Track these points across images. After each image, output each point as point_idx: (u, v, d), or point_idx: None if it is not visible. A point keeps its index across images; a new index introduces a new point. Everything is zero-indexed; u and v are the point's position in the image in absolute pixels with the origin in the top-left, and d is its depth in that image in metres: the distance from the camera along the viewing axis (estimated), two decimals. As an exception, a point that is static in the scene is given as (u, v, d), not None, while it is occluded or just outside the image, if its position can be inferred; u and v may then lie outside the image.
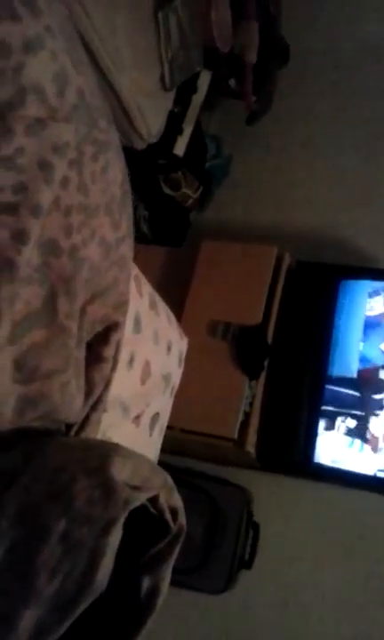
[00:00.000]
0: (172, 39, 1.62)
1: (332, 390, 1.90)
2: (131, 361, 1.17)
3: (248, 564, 1.90)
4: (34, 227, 0.68)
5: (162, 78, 1.63)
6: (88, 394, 0.87)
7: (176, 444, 1.65)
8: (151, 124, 1.63)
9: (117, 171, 0.81)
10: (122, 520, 0.67)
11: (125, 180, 0.84)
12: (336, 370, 1.93)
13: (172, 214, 2.25)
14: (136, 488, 0.72)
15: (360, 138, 2.37)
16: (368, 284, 1.99)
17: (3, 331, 0.67)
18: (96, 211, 0.77)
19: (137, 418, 1.23)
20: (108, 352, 0.89)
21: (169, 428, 1.39)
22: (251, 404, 1.85)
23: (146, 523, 0.78)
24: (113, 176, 0.80)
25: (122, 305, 0.90)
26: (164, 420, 1.37)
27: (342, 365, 1.94)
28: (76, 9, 1.35)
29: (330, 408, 1.89)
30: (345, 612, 1.87)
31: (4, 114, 0.64)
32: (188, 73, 1.81)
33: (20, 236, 0.67)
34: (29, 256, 0.69)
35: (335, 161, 2.37)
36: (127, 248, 0.88)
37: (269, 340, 1.93)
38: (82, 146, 0.72)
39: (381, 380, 1.89)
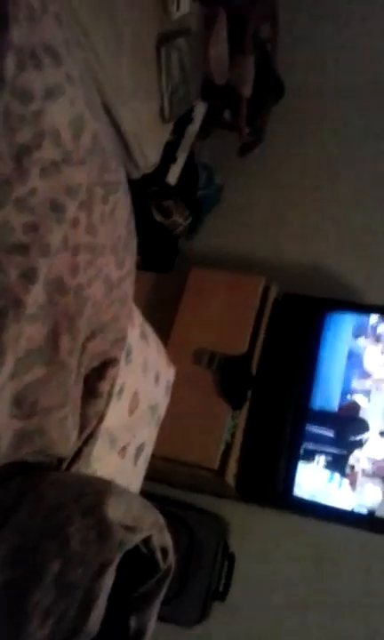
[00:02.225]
0: (172, 74, 1.65)
1: (312, 426, 1.92)
2: (120, 392, 1.17)
3: (222, 596, 1.89)
4: (43, 266, 0.69)
5: (161, 111, 1.66)
6: (82, 428, 0.87)
7: (155, 472, 1.65)
8: (148, 154, 1.65)
9: (124, 211, 0.83)
10: (116, 562, 0.67)
11: (131, 220, 0.86)
12: (318, 403, 1.95)
13: (162, 241, 2.27)
14: (129, 528, 0.73)
15: (353, 175, 2.42)
16: (352, 319, 2.03)
17: (6, 369, 0.68)
18: (102, 250, 0.78)
19: (123, 449, 1.23)
20: (104, 387, 0.90)
21: (150, 455, 1.39)
22: (233, 435, 1.85)
23: (134, 559, 0.78)
24: (120, 216, 0.82)
25: (120, 341, 0.91)
26: (148, 450, 1.38)
27: (324, 398, 1.96)
28: (82, 40, 1.37)
29: (310, 444, 1.90)
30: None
31: (21, 157, 0.66)
32: (186, 106, 1.84)
33: (29, 276, 0.67)
34: (36, 294, 0.69)
35: (327, 195, 2.41)
36: (129, 285, 0.89)
37: (254, 370, 1.94)
38: (93, 188, 0.74)
39: (360, 418, 1.91)
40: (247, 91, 2.28)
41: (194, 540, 1.86)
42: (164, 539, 0.79)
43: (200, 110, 2.25)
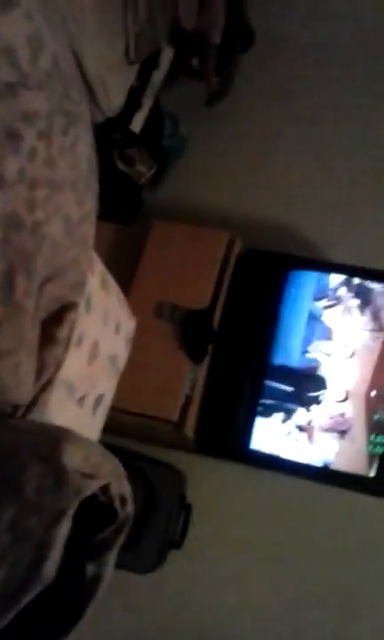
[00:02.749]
0: (139, 12, 1.56)
1: (272, 382, 1.93)
2: (79, 341, 1.14)
3: (178, 545, 1.92)
4: None
5: (126, 51, 1.58)
6: (38, 375, 0.84)
7: (114, 424, 1.64)
8: (112, 97, 1.58)
9: (86, 146, 0.78)
10: (72, 511, 0.65)
11: (93, 156, 0.81)
12: (278, 359, 1.96)
13: (124, 191, 2.20)
14: (87, 475, 0.71)
15: (324, 130, 2.37)
16: (315, 277, 2.02)
17: None
18: (62, 186, 0.74)
19: (81, 399, 1.20)
20: (62, 333, 0.86)
21: (108, 407, 1.38)
22: (192, 388, 1.85)
23: (93, 507, 0.77)
24: (81, 151, 0.77)
25: (79, 285, 0.88)
26: (107, 402, 1.35)
27: (284, 355, 1.97)
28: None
29: (269, 399, 1.92)
30: (269, 597, 1.92)
31: None
32: (153, 47, 1.76)
33: None
34: (-11, 229, 0.65)
35: (296, 150, 2.37)
36: (89, 227, 0.85)
37: (215, 325, 1.93)
38: (52, 117, 0.69)
39: (319, 375, 1.93)
40: (216, 37, 2.19)
41: (151, 491, 1.87)
42: (122, 487, 0.78)
43: (167, 56, 2.16)
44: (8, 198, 0.66)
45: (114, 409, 1.42)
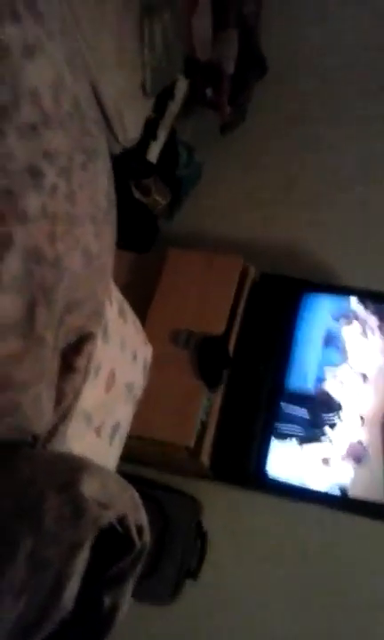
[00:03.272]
0: (156, 46, 1.61)
1: (287, 407, 1.92)
2: (96, 370, 1.15)
3: (194, 575, 1.90)
4: (19, 233, 0.66)
5: (143, 84, 1.62)
6: (57, 404, 0.85)
7: (130, 451, 1.64)
8: (129, 128, 1.62)
9: (105, 180, 0.80)
10: (90, 541, 0.66)
11: (111, 190, 0.83)
12: (293, 384, 1.96)
13: (141, 220, 2.24)
14: (104, 505, 0.71)
15: (336, 157, 2.40)
16: (329, 301, 2.03)
17: (-22, 339, 0.65)
18: (82, 220, 0.76)
19: (99, 428, 1.21)
20: (81, 363, 0.88)
21: (124, 434, 1.38)
22: (208, 414, 1.85)
23: (110, 537, 0.77)
24: (100, 186, 0.79)
25: (97, 316, 0.89)
26: (124, 430, 1.36)
27: (300, 379, 1.96)
28: (63, 6, 1.33)
29: (284, 425, 1.91)
30: (288, 626, 1.88)
31: None
32: (168, 80, 1.80)
33: (3, 243, 0.65)
34: (11, 263, 0.67)
35: (308, 177, 2.39)
36: (108, 259, 0.86)
37: (231, 351, 1.94)
38: (73, 154, 0.71)
39: (335, 399, 1.92)
40: (230, 67, 2.24)
41: (167, 520, 1.86)
42: (139, 517, 0.78)
43: (182, 87, 2.21)
44: (30, 233, 0.68)
45: (130, 436, 1.42)
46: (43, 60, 0.65)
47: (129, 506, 0.76)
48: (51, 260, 0.72)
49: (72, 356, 0.87)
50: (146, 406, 1.48)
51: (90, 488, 0.70)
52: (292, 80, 2.54)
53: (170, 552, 1.85)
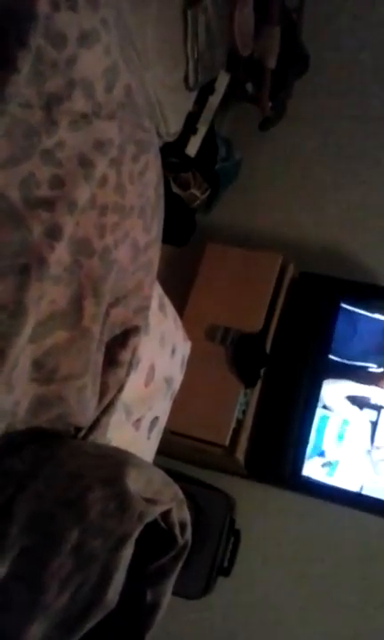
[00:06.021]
0: (199, 39, 1.59)
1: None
2: (136, 363, 1.14)
3: (227, 571, 1.89)
4: (68, 223, 0.65)
5: (186, 78, 1.61)
6: (101, 397, 0.84)
7: (165, 446, 1.63)
8: (171, 123, 1.61)
9: (154, 173, 0.79)
10: (136, 535, 0.65)
11: (160, 184, 0.82)
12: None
13: (179, 214, 2.23)
14: (149, 501, 0.70)
15: (377, 153, 2.36)
16: (369, 302, 1.99)
17: (26, 330, 0.65)
18: (130, 212, 0.75)
19: (138, 421, 1.21)
20: (125, 356, 0.87)
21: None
22: (244, 412, 1.83)
23: (152, 533, 0.76)
24: (150, 178, 0.78)
25: (143, 310, 0.88)
26: (161, 424, 1.35)
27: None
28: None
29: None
30: (317, 625, 1.86)
31: (50, 106, 0.62)
32: (211, 73, 1.78)
33: (53, 233, 0.64)
34: (61, 254, 0.66)
35: (348, 173, 2.35)
36: (155, 253, 0.86)
37: (268, 348, 1.91)
38: (124, 145, 0.70)
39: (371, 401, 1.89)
40: (272, 62, 2.21)
41: (201, 516, 1.85)
42: (183, 513, 0.77)
43: (223, 81, 2.19)
44: (80, 224, 0.67)
45: (166, 431, 1.42)
46: (98, 48, 0.64)
47: (173, 502, 0.75)
48: (99, 252, 0.71)
49: (117, 349, 0.86)
50: (182, 402, 1.47)
51: (135, 483, 0.69)
52: (333, 74, 2.50)
53: (203, 548, 1.84)
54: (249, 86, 2.30)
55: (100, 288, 0.72)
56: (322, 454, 1.85)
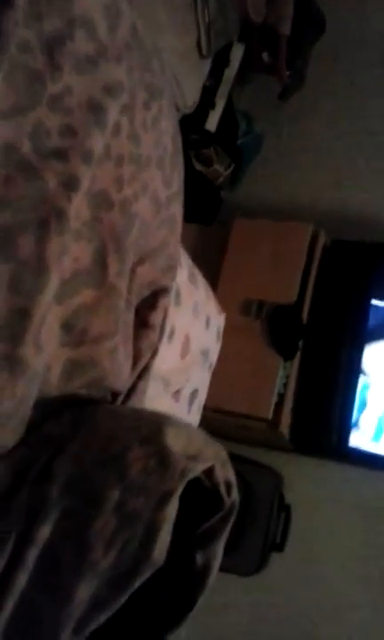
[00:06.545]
0: (210, 2, 1.55)
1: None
2: (171, 334, 1.12)
3: (280, 547, 1.86)
4: (85, 174, 0.63)
5: (198, 44, 1.56)
6: (135, 361, 0.82)
7: (207, 424, 1.61)
8: (186, 92, 1.57)
9: (169, 122, 0.76)
10: (179, 492, 0.62)
11: (177, 134, 0.79)
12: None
13: (203, 191, 2.19)
14: (190, 457, 0.68)
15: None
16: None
17: (50, 288, 0.62)
18: (148, 163, 0.72)
19: (176, 393, 1.18)
20: (156, 318, 0.84)
21: (201, 406, 1.35)
22: (285, 385, 1.80)
23: (197, 494, 0.74)
24: (165, 127, 0.75)
25: (171, 269, 0.85)
26: (202, 397, 1.33)
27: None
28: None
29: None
30: (375, 595, 1.82)
31: (52, 49, 0.59)
32: (225, 39, 1.73)
33: (70, 184, 0.61)
34: (79, 207, 0.64)
35: (373, 138, 2.28)
36: (178, 208, 0.82)
37: (304, 319, 1.87)
38: (134, 90, 0.67)
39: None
40: (286, 28, 2.15)
41: (250, 493, 1.83)
42: (227, 472, 0.75)
43: (238, 52, 2.14)
44: (96, 176, 0.65)
45: (207, 409, 1.39)
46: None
47: (217, 459, 0.72)
48: (118, 204, 0.68)
49: (147, 311, 0.83)
50: (221, 378, 1.44)
51: (175, 440, 0.66)
52: (351, 37, 2.42)
53: (254, 525, 1.82)
54: (265, 55, 2.24)
55: (122, 243, 0.70)
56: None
